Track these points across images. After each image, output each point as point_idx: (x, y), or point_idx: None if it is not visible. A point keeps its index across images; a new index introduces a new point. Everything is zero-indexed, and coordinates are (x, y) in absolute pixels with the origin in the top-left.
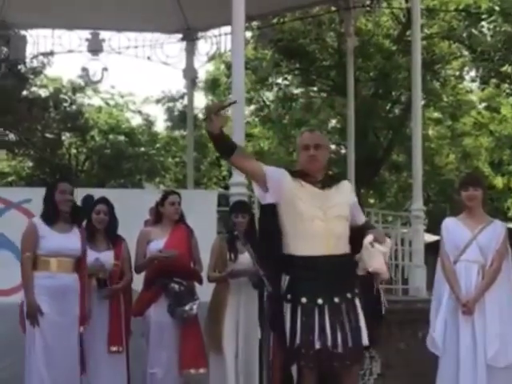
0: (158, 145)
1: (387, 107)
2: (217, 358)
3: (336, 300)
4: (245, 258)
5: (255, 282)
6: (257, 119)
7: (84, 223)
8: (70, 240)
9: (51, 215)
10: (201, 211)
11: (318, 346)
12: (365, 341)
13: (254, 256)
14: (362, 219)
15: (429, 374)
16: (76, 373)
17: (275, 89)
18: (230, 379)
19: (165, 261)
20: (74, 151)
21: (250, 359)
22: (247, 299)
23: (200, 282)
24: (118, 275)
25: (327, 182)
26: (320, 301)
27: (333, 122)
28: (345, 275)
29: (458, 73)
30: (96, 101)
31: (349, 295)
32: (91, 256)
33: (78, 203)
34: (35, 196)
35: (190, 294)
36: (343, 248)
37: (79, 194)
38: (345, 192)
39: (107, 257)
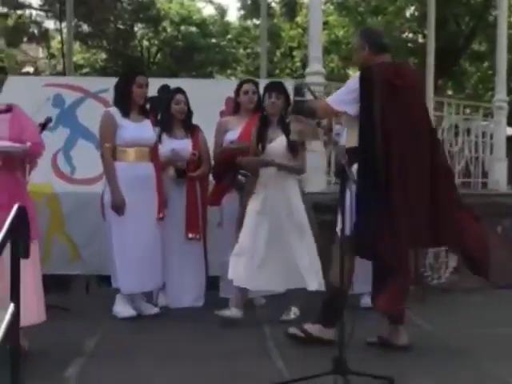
0: (229, 36)
1: None
2: None
3: None
4: (274, 148)
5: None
6: (332, 7)
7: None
8: (145, 129)
9: (127, 106)
10: None
11: None
12: None
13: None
14: None
15: None
16: (158, 258)
17: None
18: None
19: (234, 152)
20: (146, 43)
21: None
22: (274, 191)
23: None
24: (195, 164)
25: None
26: None
27: (411, 9)
28: None
29: None
30: None
31: None
32: (169, 144)
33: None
34: (112, 86)
35: None
36: None
37: (155, 84)
38: None
39: (185, 144)
